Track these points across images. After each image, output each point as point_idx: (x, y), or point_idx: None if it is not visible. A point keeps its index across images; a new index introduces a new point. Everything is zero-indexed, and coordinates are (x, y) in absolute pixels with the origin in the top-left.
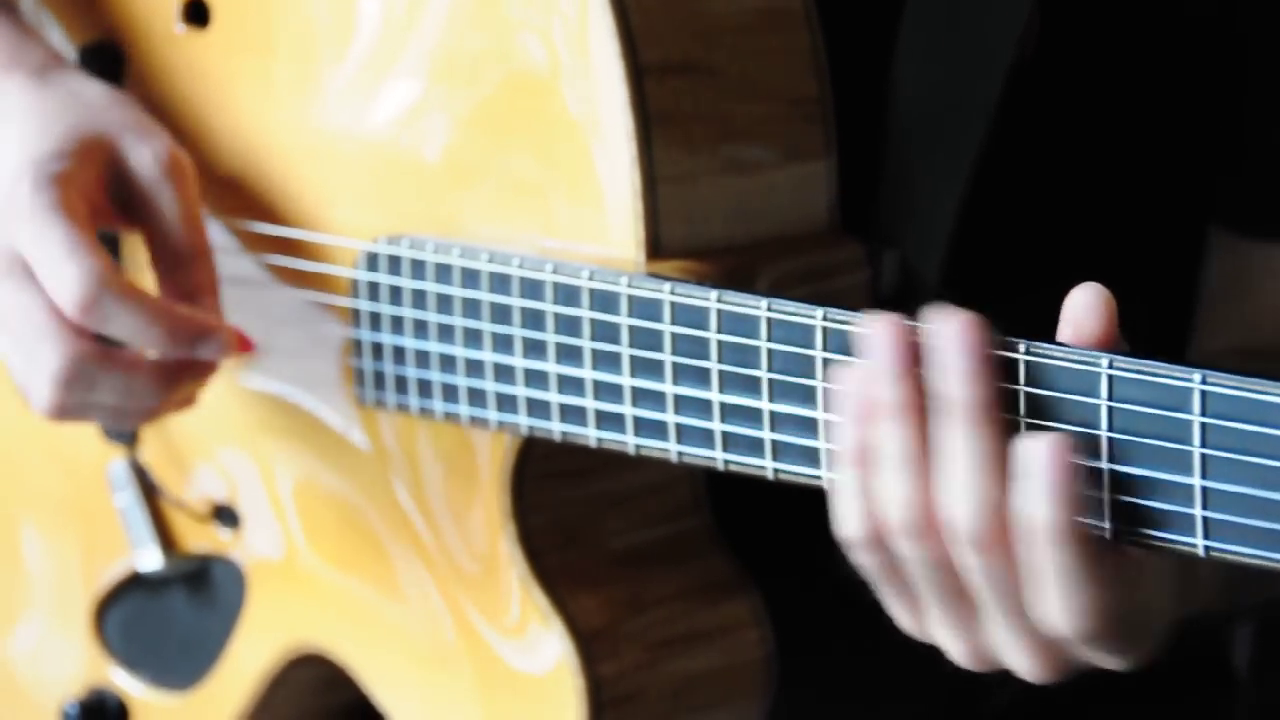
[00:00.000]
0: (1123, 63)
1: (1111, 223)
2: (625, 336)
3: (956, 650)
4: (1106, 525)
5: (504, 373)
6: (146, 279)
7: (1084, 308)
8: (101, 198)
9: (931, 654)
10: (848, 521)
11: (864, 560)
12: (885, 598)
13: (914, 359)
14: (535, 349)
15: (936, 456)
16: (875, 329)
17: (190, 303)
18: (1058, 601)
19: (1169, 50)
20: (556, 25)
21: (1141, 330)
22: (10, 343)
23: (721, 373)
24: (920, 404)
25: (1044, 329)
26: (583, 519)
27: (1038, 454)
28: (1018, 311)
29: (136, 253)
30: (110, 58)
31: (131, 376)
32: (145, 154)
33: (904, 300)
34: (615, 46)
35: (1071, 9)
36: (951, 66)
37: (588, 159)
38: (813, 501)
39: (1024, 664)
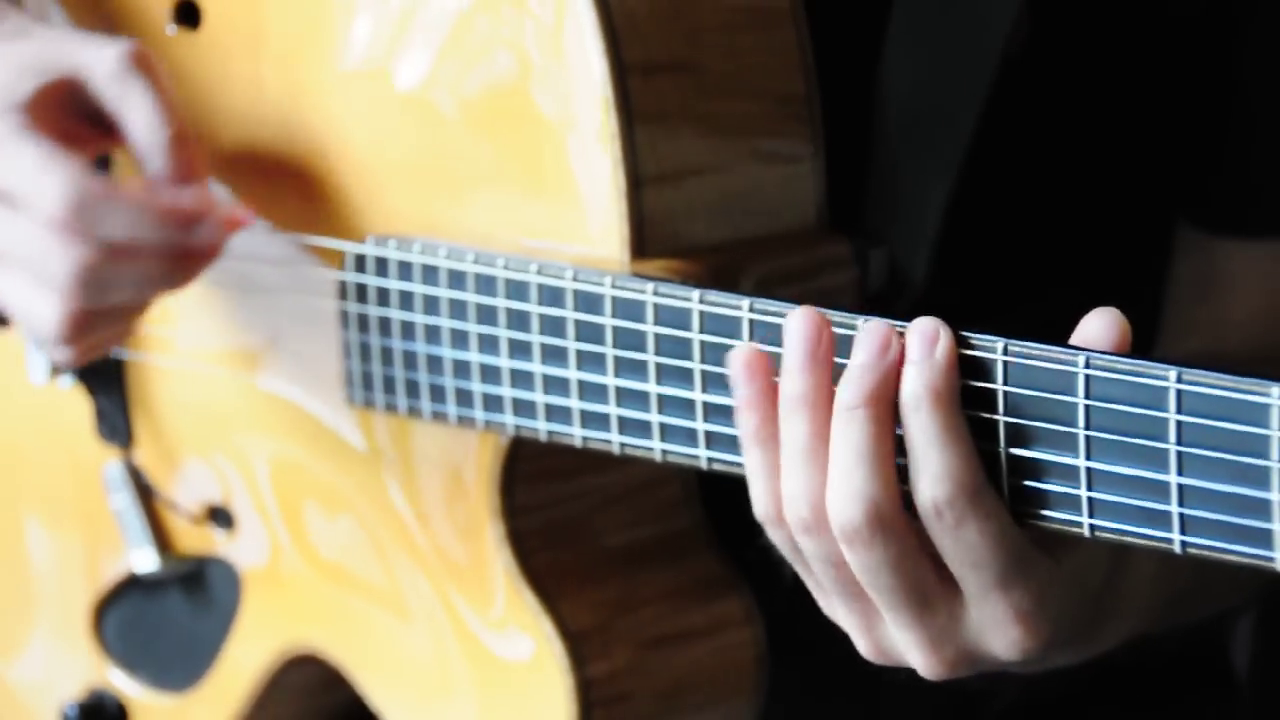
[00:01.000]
0: (1110, 61)
1: (1099, 220)
2: (609, 337)
3: (861, 644)
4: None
5: (490, 373)
6: None
7: (1096, 331)
8: (73, 121)
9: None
10: (756, 502)
11: (775, 539)
12: (802, 578)
13: (823, 353)
14: (520, 349)
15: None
16: (789, 320)
17: (182, 187)
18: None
19: (1156, 48)
20: (529, 30)
21: (1136, 325)
22: (13, 277)
23: (704, 373)
24: (822, 399)
25: (1031, 323)
26: (573, 518)
27: (917, 334)
28: (1005, 308)
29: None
30: None
31: (142, 265)
32: (106, 56)
33: (892, 298)
34: (599, 45)
35: (1060, 7)
36: (940, 64)
37: (566, 161)
38: None
39: (920, 660)
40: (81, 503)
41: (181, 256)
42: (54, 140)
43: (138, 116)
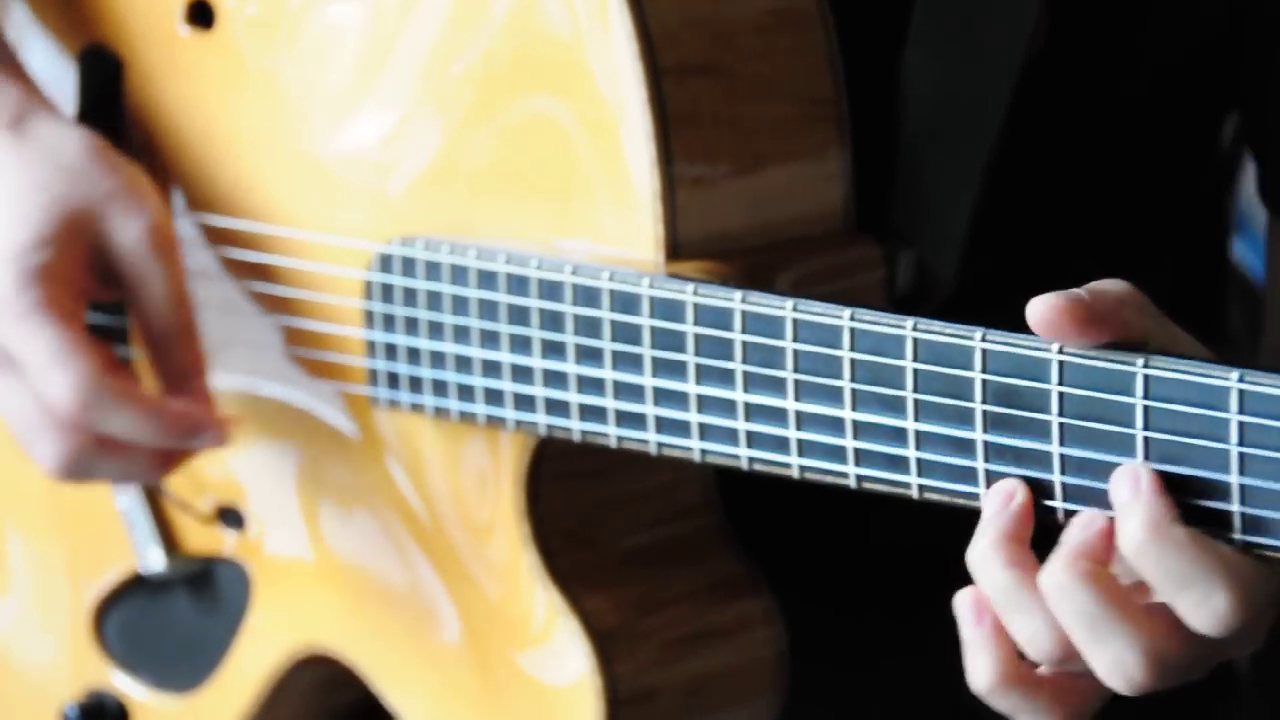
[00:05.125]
0: (1132, 54)
1: (1127, 215)
2: (647, 338)
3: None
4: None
5: (521, 373)
6: None
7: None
8: (87, 278)
9: (939, 660)
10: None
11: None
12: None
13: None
14: (554, 350)
15: None
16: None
17: (180, 381)
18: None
19: (1178, 39)
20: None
21: (1175, 320)
22: (14, 433)
23: (746, 373)
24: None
25: None
26: (596, 519)
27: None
28: None
29: None
30: (109, 62)
31: (129, 462)
32: (130, 231)
33: (919, 299)
34: (634, 47)
35: (1079, 3)
36: (962, 64)
37: (599, 162)
38: (822, 503)
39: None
40: (78, 505)
41: (173, 455)
42: (70, 320)
43: (153, 304)
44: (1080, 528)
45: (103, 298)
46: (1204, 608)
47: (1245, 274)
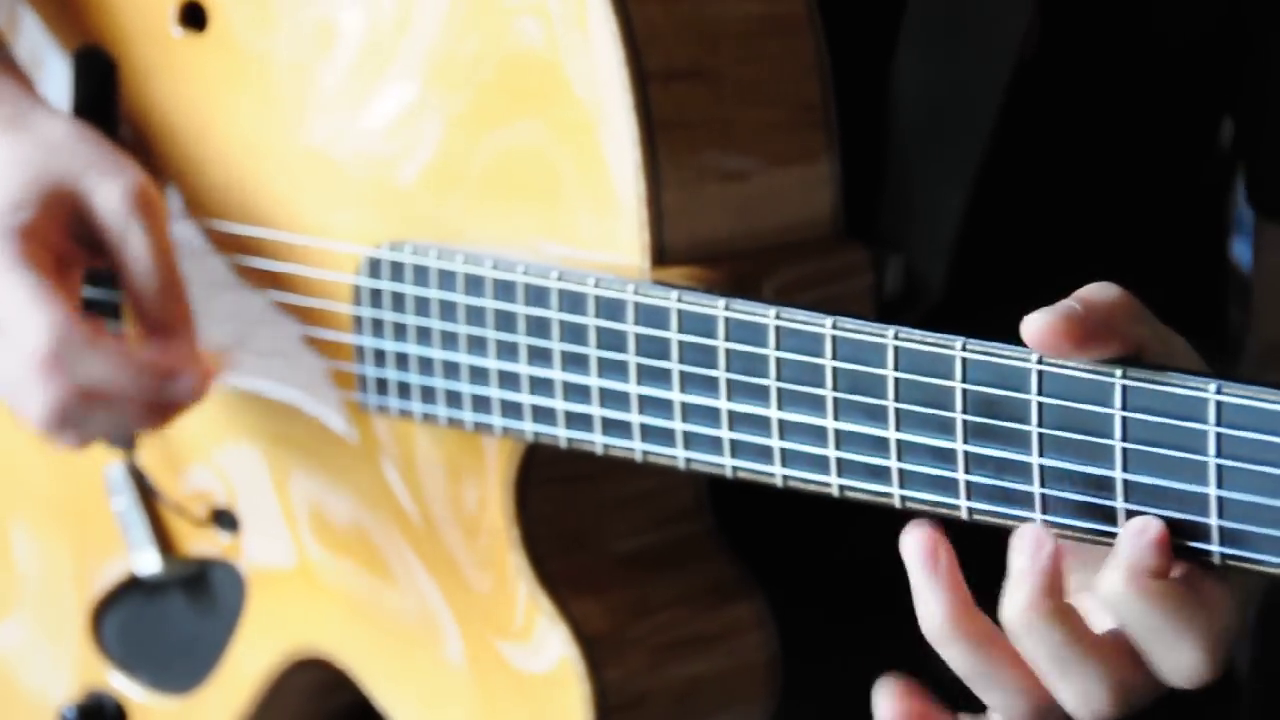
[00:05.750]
0: (1125, 59)
1: (1118, 221)
2: (631, 344)
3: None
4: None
5: (508, 379)
6: None
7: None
8: (68, 244)
9: (932, 662)
10: None
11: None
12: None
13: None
14: (540, 356)
15: None
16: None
17: (164, 335)
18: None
19: (1171, 44)
20: (554, 10)
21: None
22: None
23: (729, 381)
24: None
25: None
26: (586, 523)
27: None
28: (1022, 314)
29: None
30: (103, 63)
31: (117, 409)
32: (110, 192)
33: (907, 305)
34: (620, 52)
35: (1072, 7)
36: (953, 69)
37: (585, 167)
38: (813, 507)
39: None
40: (77, 503)
41: (157, 405)
42: (48, 274)
43: (135, 260)
44: (1042, 561)
45: (90, 264)
46: (1169, 662)
47: (1244, 274)
